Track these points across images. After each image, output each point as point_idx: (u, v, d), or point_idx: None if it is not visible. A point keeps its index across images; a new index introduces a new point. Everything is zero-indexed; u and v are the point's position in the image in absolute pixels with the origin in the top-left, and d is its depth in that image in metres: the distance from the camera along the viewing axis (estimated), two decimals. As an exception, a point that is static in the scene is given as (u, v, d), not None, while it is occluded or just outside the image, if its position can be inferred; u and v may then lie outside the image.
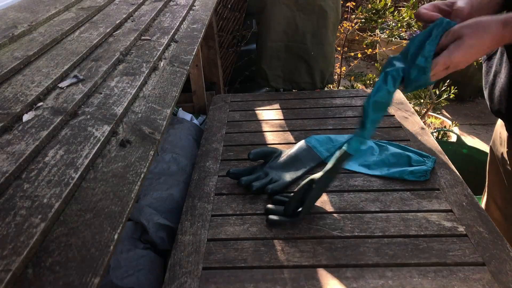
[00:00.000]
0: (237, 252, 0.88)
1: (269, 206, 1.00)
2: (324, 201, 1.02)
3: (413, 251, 0.86)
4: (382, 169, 1.12)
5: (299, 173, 1.12)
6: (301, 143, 1.22)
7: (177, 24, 1.21)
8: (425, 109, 2.43)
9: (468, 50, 0.67)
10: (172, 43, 1.10)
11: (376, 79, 2.54)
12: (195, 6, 1.43)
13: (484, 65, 0.98)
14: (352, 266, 0.84)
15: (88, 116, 0.73)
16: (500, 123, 1.04)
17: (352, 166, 1.15)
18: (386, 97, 0.79)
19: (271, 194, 1.04)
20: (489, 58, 0.95)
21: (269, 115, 1.48)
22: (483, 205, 1.13)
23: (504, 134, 1.00)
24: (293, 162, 1.15)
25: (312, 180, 0.94)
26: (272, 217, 0.95)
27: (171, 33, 1.13)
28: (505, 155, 1.00)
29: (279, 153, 1.18)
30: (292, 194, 1.00)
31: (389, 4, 2.54)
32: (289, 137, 1.33)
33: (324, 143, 1.21)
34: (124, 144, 0.68)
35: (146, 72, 0.90)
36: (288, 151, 1.18)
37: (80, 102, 0.77)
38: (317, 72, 1.90)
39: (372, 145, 1.21)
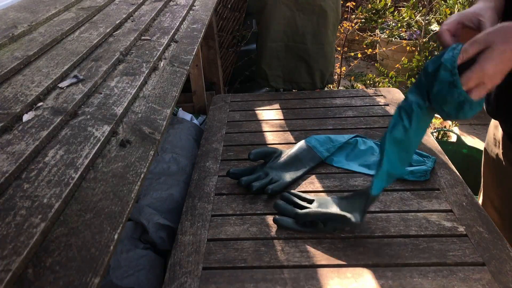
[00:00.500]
0: (237, 252, 0.88)
1: (279, 202, 0.98)
2: (324, 201, 1.02)
3: (413, 251, 0.86)
4: (382, 169, 1.12)
5: (299, 173, 1.12)
6: (301, 143, 1.22)
7: (177, 24, 1.21)
8: (425, 109, 2.42)
9: (501, 58, 0.61)
10: (172, 43, 1.10)
11: (376, 79, 2.54)
12: (195, 6, 1.43)
13: None
14: (353, 266, 0.84)
15: (88, 116, 0.73)
16: (493, 124, 1.04)
17: (352, 166, 1.15)
18: (403, 133, 0.74)
19: (271, 195, 1.04)
20: None
21: (269, 115, 1.48)
22: None
23: (499, 135, 1.00)
24: (293, 162, 1.15)
25: (344, 216, 0.89)
26: (281, 220, 0.94)
27: (171, 33, 1.13)
28: (500, 156, 0.99)
29: (279, 153, 1.18)
30: (311, 206, 0.96)
31: (389, 4, 2.54)
32: (289, 137, 1.33)
33: (324, 143, 1.21)
34: (124, 144, 0.68)
35: (146, 72, 0.90)
36: (288, 151, 1.18)
37: (80, 102, 0.77)
38: (317, 72, 1.90)
39: (372, 145, 1.21)
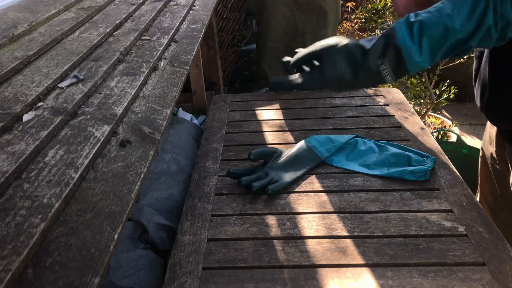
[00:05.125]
0: (237, 252, 0.88)
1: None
2: (324, 201, 1.02)
3: (413, 251, 0.86)
4: (382, 169, 1.12)
5: (299, 173, 1.12)
6: (301, 143, 1.22)
7: (177, 24, 1.21)
8: (425, 109, 2.43)
9: None
10: (172, 43, 1.10)
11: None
12: (195, 6, 1.43)
13: (474, 63, 0.98)
14: (352, 266, 0.84)
15: (88, 116, 0.73)
16: (489, 123, 1.05)
17: (352, 166, 1.15)
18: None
19: (271, 195, 1.04)
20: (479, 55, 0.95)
21: (269, 115, 1.48)
22: None
23: (493, 133, 1.01)
24: (293, 162, 1.15)
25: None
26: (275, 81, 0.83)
27: (171, 33, 1.13)
28: (494, 154, 1.00)
29: (279, 153, 1.18)
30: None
31: (389, 4, 2.54)
32: (289, 137, 1.33)
33: (324, 143, 1.21)
34: (124, 144, 0.68)
35: (146, 72, 0.90)
36: (288, 151, 1.18)
37: (80, 102, 0.77)
38: (317, 72, 1.89)
39: (371, 145, 1.21)
